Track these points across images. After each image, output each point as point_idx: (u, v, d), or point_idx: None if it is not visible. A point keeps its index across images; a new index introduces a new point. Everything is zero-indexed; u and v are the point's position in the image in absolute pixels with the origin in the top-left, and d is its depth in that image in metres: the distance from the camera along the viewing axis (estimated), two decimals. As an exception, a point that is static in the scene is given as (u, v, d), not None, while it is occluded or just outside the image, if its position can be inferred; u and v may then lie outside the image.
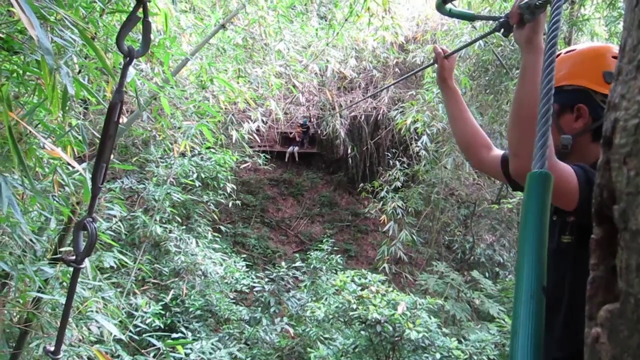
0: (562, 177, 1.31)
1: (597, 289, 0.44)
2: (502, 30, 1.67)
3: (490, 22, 1.93)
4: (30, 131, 2.13)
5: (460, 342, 6.71)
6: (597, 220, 0.45)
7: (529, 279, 0.48)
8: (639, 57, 0.38)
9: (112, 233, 5.21)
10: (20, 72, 2.42)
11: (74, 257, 1.63)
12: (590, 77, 1.50)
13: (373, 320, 6.05)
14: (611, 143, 0.41)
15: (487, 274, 9.63)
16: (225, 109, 6.71)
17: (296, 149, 12.67)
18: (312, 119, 12.91)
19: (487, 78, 8.71)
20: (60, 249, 3.75)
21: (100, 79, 4.06)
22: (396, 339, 6.15)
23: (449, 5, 1.92)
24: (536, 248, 0.50)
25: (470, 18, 2.13)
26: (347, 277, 6.94)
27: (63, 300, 3.27)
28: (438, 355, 6.18)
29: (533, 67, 1.37)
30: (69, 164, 3.66)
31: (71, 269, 1.68)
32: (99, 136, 1.64)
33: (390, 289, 6.91)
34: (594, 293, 0.44)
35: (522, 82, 1.40)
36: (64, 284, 3.73)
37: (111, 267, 4.80)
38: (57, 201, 3.40)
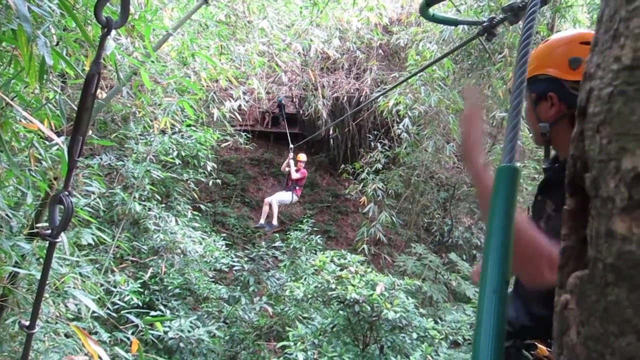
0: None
1: (568, 259, 0.45)
2: (486, 34, 1.70)
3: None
4: (6, 103, 2.08)
5: (436, 322, 6.83)
6: (570, 191, 0.46)
7: (493, 274, 0.49)
8: (615, 27, 0.38)
9: (90, 210, 5.16)
10: (-4, 42, 2.37)
11: (49, 231, 1.61)
12: (557, 65, 1.52)
13: (351, 300, 6.11)
14: (585, 113, 0.42)
15: (464, 257, 9.78)
16: (207, 86, 6.63)
17: (295, 198, 10.61)
18: (294, 99, 12.83)
19: (470, 62, 8.74)
20: (37, 225, 3.70)
21: (79, 52, 3.99)
22: (374, 318, 6.22)
23: (432, 10, 1.92)
24: (502, 244, 0.51)
25: (453, 23, 2.14)
26: (327, 257, 6.98)
27: (39, 275, 3.25)
28: (415, 335, 6.29)
29: (481, 190, 1.37)
30: (46, 138, 3.61)
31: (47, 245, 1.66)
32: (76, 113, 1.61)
33: (369, 269, 6.97)
34: (564, 262, 0.45)
35: (480, 199, 1.43)
36: (41, 260, 3.70)
37: (89, 244, 4.76)
38: (34, 176, 3.35)
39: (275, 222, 9.91)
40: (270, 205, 10.02)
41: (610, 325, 0.36)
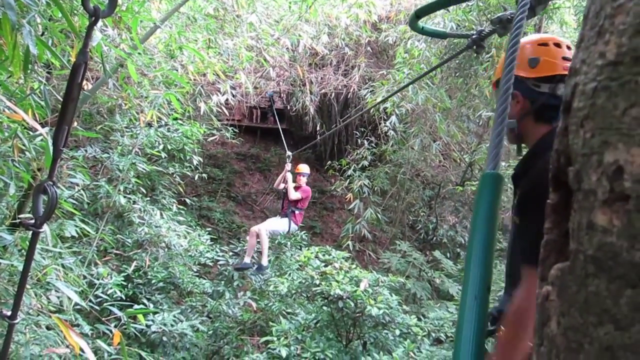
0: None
1: (550, 252, 0.46)
2: (475, 47, 1.74)
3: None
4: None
5: (419, 319, 6.88)
6: (554, 186, 0.47)
7: (475, 281, 0.50)
8: (600, 23, 0.39)
9: (74, 202, 5.11)
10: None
11: (33, 221, 1.60)
12: (519, 66, 1.64)
13: (335, 296, 6.12)
14: (570, 108, 0.43)
15: (448, 255, 9.84)
16: (194, 80, 6.59)
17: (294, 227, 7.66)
18: (281, 94, 12.80)
19: (457, 61, 8.78)
20: (20, 216, 3.66)
21: (65, 42, 3.94)
22: (357, 315, 6.25)
23: (421, 23, 1.94)
24: (484, 250, 0.51)
25: (442, 36, 2.18)
26: (312, 253, 6.99)
27: (22, 266, 3.21)
28: (398, 332, 6.32)
29: None
30: (30, 129, 3.56)
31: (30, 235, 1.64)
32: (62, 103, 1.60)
33: (354, 266, 7.00)
34: (546, 255, 0.46)
35: None
36: (23, 251, 3.66)
37: (72, 236, 4.73)
38: (17, 166, 3.31)
39: (265, 261, 7.23)
40: (257, 235, 7.31)
41: (589, 315, 0.37)
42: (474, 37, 1.70)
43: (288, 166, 7.38)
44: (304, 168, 7.74)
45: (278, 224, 7.48)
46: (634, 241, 0.34)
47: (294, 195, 7.31)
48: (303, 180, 7.56)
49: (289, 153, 7.42)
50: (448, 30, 7.88)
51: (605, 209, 0.36)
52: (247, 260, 7.24)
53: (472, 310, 0.49)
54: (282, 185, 7.55)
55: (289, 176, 7.39)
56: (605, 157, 0.36)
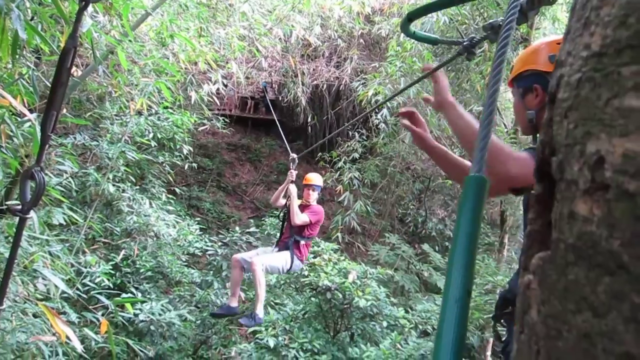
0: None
1: (533, 242, 0.47)
2: (466, 53, 1.76)
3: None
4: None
5: (407, 311, 6.93)
6: (538, 177, 0.47)
7: (456, 284, 0.50)
8: (586, 15, 0.40)
9: (62, 189, 5.08)
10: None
11: (20, 207, 1.59)
12: (540, 62, 1.76)
13: (324, 287, 6.16)
14: (555, 99, 0.43)
15: (437, 248, 9.90)
16: (185, 68, 6.55)
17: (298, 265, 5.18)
18: (273, 85, 12.77)
19: (449, 55, 8.79)
20: (7, 202, 3.63)
21: (55, 28, 3.90)
22: (345, 306, 6.28)
23: (412, 28, 1.94)
24: (466, 253, 0.51)
25: (433, 42, 2.17)
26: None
27: (8, 253, 3.19)
28: (385, 323, 6.37)
29: (453, 120, 1.71)
30: (18, 115, 3.53)
31: (17, 221, 1.63)
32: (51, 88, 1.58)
33: (342, 257, 7.03)
34: (529, 245, 0.47)
35: (457, 130, 1.72)
36: (10, 238, 3.63)
37: (60, 224, 4.70)
38: (4, 153, 3.28)
39: (261, 311, 4.92)
40: (243, 269, 5.10)
41: (568, 303, 0.37)
42: (465, 44, 1.73)
43: (292, 175, 5.10)
44: (315, 179, 5.51)
45: (277, 259, 5.03)
46: (612, 230, 0.34)
47: (299, 218, 5.02)
48: (313, 197, 5.38)
49: (293, 156, 5.08)
50: (440, 28, 7.89)
51: (586, 198, 0.37)
52: (232, 303, 5.04)
53: (453, 313, 0.49)
54: (281, 201, 5.29)
55: (293, 190, 5.06)
56: (587, 147, 0.37)
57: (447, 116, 1.75)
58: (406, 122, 1.99)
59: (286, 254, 5.09)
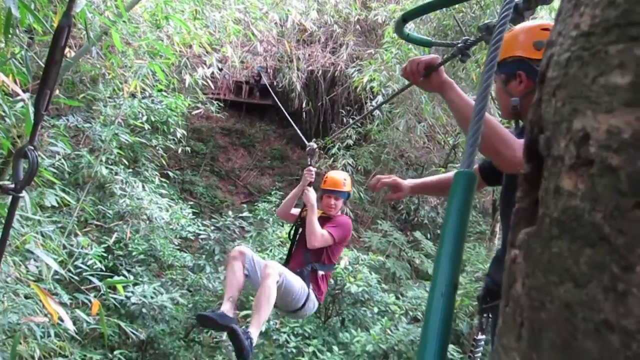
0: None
1: (520, 219, 0.48)
2: (460, 55, 1.75)
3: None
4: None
5: (397, 298, 6.98)
6: (527, 157, 0.48)
7: (443, 277, 0.52)
8: (578, -5, 0.41)
9: (55, 171, 5.06)
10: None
11: (13, 186, 1.59)
12: (523, 48, 1.74)
13: (316, 272, 6.18)
14: (545, 79, 0.44)
15: (429, 235, 9.95)
16: (180, 51, 6.50)
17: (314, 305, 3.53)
18: (268, 70, 12.70)
19: (445, 42, 8.76)
20: (-1, 182, 3.62)
21: (48, 7, 3.86)
22: (337, 291, 6.33)
23: (406, 30, 1.90)
24: (453, 247, 0.53)
25: (427, 44, 2.13)
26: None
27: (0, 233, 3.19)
28: (376, 309, 6.43)
29: (454, 100, 1.69)
30: (10, 95, 3.50)
31: (9, 201, 1.63)
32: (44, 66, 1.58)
33: (335, 243, 7.04)
34: (516, 222, 0.48)
35: (455, 111, 1.71)
36: (2, 218, 3.63)
37: (52, 206, 4.69)
38: (-4, 132, 3.27)
39: (255, 333, 3.31)
40: (265, 282, 3.31)
41: (551, 275, 0.39)
42: (459, 45, 1.72)
43: (311, 175, 3.81)
44: (342, 181, 3.96)
45: (296, 279, 3.56)
46: (595, 203, 0.35)
47: (318, 237, 3.61)
48: (337, 207, 3.95)
49: (311, 145, 3.88)
50: (437, 15, 7.85)
51: (572, 173, 0.38)
52: (225, 308, 3.41)
53: (439, 307, 0.51)
54: (293, 213, 4.02)
55: (312, 197, 3.75)
56: (574, 124, 0.38)
57: (446, 97, 1.73)
58: (389, 197, 2.11)
59: (302, 288, 3.57)
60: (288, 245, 4.09)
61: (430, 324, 0.50)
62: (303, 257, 3.76)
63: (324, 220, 3.82)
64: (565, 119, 0.39)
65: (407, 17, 1.88)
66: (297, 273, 3.62)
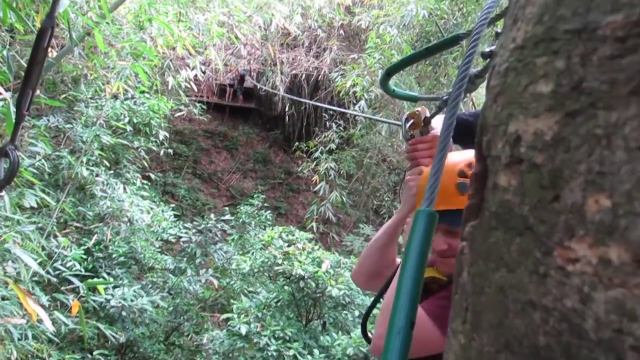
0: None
1: (470, 214, 0.53)
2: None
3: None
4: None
5: (379, 301, 7.02)
6: (477, 157, 0.53)
7: (400, 315, 0.53)
8: (515, 12, 0.46)
9: (35, 171, 5.03)
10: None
11: (-7, 184, 1.60)
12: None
13: (297, 276, 6.21)
14: (488, 86, 0.49)
15: (410, 239, 10.02)
16: (163, 53, 6.50)
17: None
18: (252, 73, 12.72)
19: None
20: (-22, 182, 3.59)
21: (30, 7, 3.86)
22: (318, 295, 6.35)
23: (392, 86, 1.80)
24: (412, 285, 0.54)
25: (413, 99, 1.98)
26: (275, 233, 7.04)
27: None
28: (357, 313, 6.47)
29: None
30: (-10, 94, 3.49)
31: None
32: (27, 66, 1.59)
33: (317, 247, 7.08)
34: (467, 217, 0.53)
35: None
36: (-20, 218, 3.60)
37: (32, 207, 4.65)
38: (-24, 131, 3.25)
39: None
40: None
41: (490, 262, 0.43)
42: (444, 97, 1.58)
43: (413, 188, 1.74)
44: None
45: None
46: (523, 197, 0.40)
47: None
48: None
49: (420, 111, 1.81)
50: (420, 22, 7.96)
51: (507, 171, 0.43)
52: None
53: (395, 344, 0.52)
54: (379, 276, 1.82)
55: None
56: (509, 127, 0.43)
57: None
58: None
59: None
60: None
61: None
62: None
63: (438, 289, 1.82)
64: (503, 123, 0.44)
65: (390, 72, 1.74)
66: None
